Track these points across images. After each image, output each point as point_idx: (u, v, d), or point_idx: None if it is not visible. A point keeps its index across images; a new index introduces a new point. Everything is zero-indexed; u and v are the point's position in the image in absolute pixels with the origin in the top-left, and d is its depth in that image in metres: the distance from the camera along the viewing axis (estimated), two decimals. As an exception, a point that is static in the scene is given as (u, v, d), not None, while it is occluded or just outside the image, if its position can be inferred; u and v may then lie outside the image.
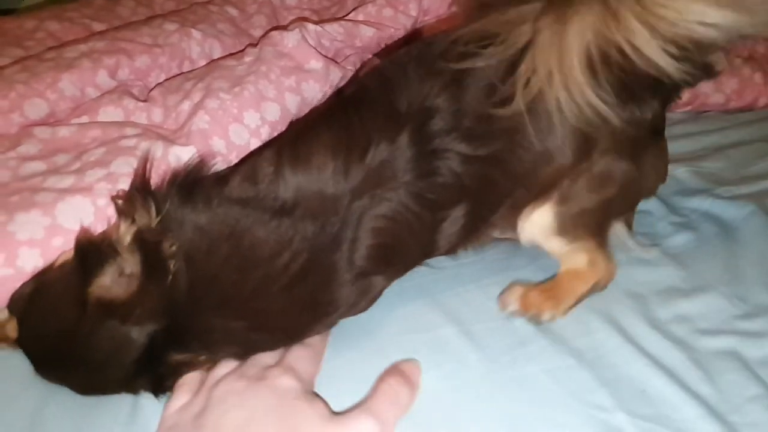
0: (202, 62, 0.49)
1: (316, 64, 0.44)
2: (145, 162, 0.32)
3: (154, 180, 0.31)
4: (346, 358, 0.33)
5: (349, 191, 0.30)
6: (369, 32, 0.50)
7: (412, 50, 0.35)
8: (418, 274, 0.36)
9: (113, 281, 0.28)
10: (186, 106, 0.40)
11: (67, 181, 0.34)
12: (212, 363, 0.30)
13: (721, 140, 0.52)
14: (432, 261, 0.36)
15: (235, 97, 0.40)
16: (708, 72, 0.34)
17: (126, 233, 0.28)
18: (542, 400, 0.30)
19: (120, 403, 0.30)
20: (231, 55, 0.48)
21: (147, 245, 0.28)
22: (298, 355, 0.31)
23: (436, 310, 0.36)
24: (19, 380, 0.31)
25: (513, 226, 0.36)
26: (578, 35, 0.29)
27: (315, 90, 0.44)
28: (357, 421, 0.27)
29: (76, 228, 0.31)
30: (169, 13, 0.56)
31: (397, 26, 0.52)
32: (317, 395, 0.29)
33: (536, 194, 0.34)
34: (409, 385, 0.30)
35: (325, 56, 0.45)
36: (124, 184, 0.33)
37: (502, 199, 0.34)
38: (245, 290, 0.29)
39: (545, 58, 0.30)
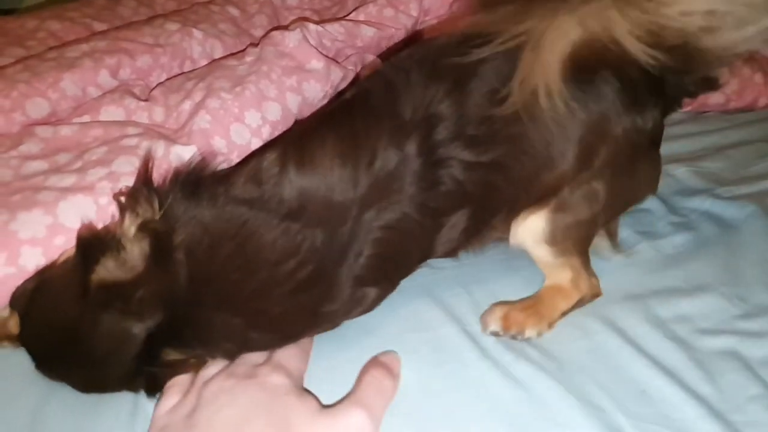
0: (204, 62, 0.49)
1: (317, 63, 0.44)
2: (147, 160, 0.32)
3: (157, 178, 0.32)
4: (346, 356, 0.33)
5: (358, 201, 0.30)
6: (370, 32, 0.50)
7: (415, 53, 0.35)
8: (419, 274, 0.36)
9: (115, 268, 0.28)
10: (187, 105, 0.41)
11: (69, 180, 0.34)
12: (203, 364, 0.30)
13: (721, 140, 0.52)
14: (433, 262, 0.36)
15: (236, 96, 0.40)
16: (711, 85, 0.35)
17: (130, 225, 0.28)
18: (542, 401, 0.30)
19: (121, 401, 0.30)
20: (232, 54, 0.48)
21: (152, 233, 0.28)
22: (287, 352, 0.31)
23: (436, 309, 0.36)
24: (21, 378, 0.31)
25: (510, 229, 0.36)
26: (562, 33, 0.29)
27: (316, 90, 0.44)
28: (347, 412, 0.27)
29: (78, 227, 0.31)
30: (171, 13, 0.57)
31: (398, 26, 0.52)
32: (307, 391, 0.29)
33: (535, 199, 0.34)
34: (391, 375, 0.30)
35: (326, 56, 0.45)
36: (126, 183, 0.33)
37: (503, 203, 0.34)
38: (246, 290, 0.29)
39: (530, 58, 0.30)
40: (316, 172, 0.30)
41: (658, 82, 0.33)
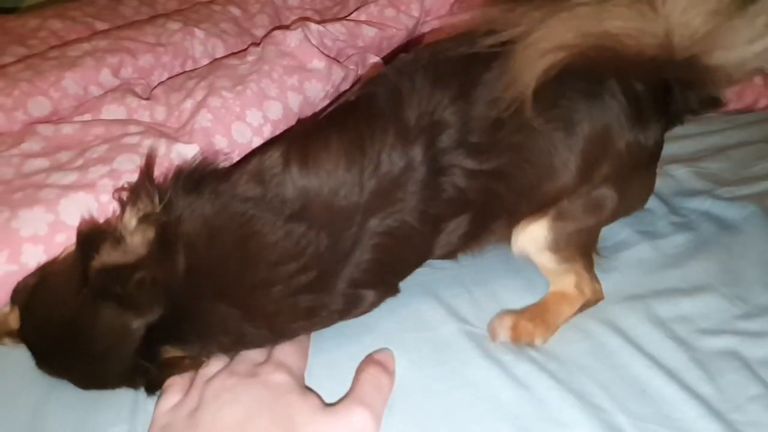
0: (205, 61, 0.50)
1: (318, 63, 0.44)
2: (149, 158, 0.32)
3: (158, 176, 0.32)
4: (347, 353, 0.33)
5: (363, 206, 0.30)
6: (371, 32, 0.50)
7: (420, 57, 0.34)
8: (419, 274, 0.36)
9: (115, 253, 0.28)
10: (189, 104, 0.41)
11: (70, 178, 0.34)
12: (201, 363, 0.30)
13: (721, 141, 0.52)
14: (432, 262, 0.36)
15: (237, 95, 0.40)
16: (715, 105, 0.34)
17: (131, 218, 0.29)
18: (543, 400, 0.30)
19: (121, 399, 0.30)
20: (234, 54, 0.48)
21: (153, 223, 0.28)
22: (286, 350, 0.31)
23: (437, 309, 0.36)
24: (21, 376, 0.31)
25: (510, 236, 0.36)
26: (549, 35, 0.29)
27: (317, 89, 0.44)
28: (349, 410, 0.28)
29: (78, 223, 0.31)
30: (173, 12, 0.57)
31: (399, 26, 0.53)
32: (310, 389, 0.30)
33: (536, 208, 0.34)
34: (387, 372, 0.30)
35: (328, 56, 0.46)
36: (127, 181, 0.33)
37: (503, 210, 0.34)
38: (244, 284, 0.29)
39: (514, 62, 0.29)
40: (319, 172, 0.30)
41: (664, 98, 0.33)
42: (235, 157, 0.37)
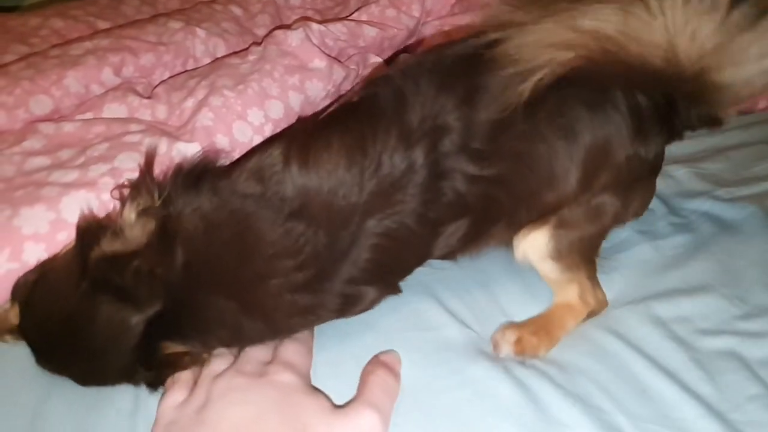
0: (206, 60, 0.50)
1: (319, 63, 0.44)
2: (149, 154, 0.33)
3: (158, 173, 0.32)
4: (350, 352, 0.33)
5: (361, 206, 0.30)
6: (372, 32, 0.51)
7: (426, 61, 0.34)
8: (420, 273, 0.36)
9: (115, 242, 0.28)
10: (190, 103, 0.41)
11: (72, 176, 0.34)
12: (202, 360, 0.30)
13: (721, 142, 0.52)
14: (433, 262, 0.36)
15: (239, 94, 0.40)
16: (715, 124, 0.34)
17: (131, 212, 0.29)
18: (544, 401, 0.30)
19: (122, 397, 0.30)
20: (235, 53, 0.48)
21: (153, 215, 0.29)
22: (292, 350, 0.31)
23: (437, 309, 0.36)
24: (21, 374, 0.31)
25: (509, 240, 0.36)
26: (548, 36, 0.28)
27: (318, 89, 0.44)
28: (358, 412, 0.28)
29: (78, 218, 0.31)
30: (174, 11, 0.57)
31: (400, 27, 0.53)
32: (318, 389, 0.30)
33: (536, 216, 0.34)
34: (394, 374, 0.31)
35: (329, 55, 0.46)
36: (128, 179, 0.33)
37: (502, 215, 0.34)
38: (241, 279, 0.29)
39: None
40: (319, 172, 0.30)
41: (667, 112, 0.33)
42: (237, 156, 0.37)
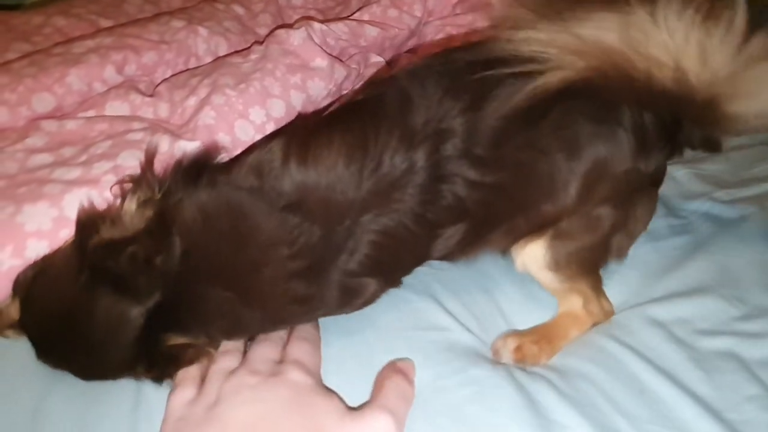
0: (208, 59, 0.50)
1: (321, 62, 0.44)
2: (150, 151, 0.33)
3: (159, 169, 0.32)
4: (351, 350, 0.33)
5: (358, 202, 0.30)
6: (373, 32, 0.51)
7: (434, 64, 0.34)
8: (421, 273, 0.36)
9: (113, 229, 0.28)
10: (192, 101, 0.41)
11: (74, 173, 0.34)
12: (207, 353, 0.30)
13: (721, 143, 0.53)
14: (433, 262, 0.36)
15: (240, 93, 0.40)
16: (713, 148, 0.35)
17: (131, 204, 0.29)
18: (543, 402, 0.30)
19: (123, 392, 0.30)
20: (237, 52, 0.48)
21: (152, 205, 0.29)
22: (302, 349, 0.31)
23: (441, 311, 0.36)
24: (22, 370, 0.31)
25: (506, 247, 0.36)
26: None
27: (320, 88, 0.44)
28: (373, 416, 0.27)
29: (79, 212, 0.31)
30: (176, 10, 0.57)
31: (402, 26, 0.53)
32: (331, 389, 0.29)
33: (534, 227, 0.34)
34: (409, 381, 0.30)
35: (331, 55, 0.46)
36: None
37: (501, 223, 0.34)
38: (237, 267, 0.29)
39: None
40: (318, 168, 0.30)
41: (671, 129, 0.33)
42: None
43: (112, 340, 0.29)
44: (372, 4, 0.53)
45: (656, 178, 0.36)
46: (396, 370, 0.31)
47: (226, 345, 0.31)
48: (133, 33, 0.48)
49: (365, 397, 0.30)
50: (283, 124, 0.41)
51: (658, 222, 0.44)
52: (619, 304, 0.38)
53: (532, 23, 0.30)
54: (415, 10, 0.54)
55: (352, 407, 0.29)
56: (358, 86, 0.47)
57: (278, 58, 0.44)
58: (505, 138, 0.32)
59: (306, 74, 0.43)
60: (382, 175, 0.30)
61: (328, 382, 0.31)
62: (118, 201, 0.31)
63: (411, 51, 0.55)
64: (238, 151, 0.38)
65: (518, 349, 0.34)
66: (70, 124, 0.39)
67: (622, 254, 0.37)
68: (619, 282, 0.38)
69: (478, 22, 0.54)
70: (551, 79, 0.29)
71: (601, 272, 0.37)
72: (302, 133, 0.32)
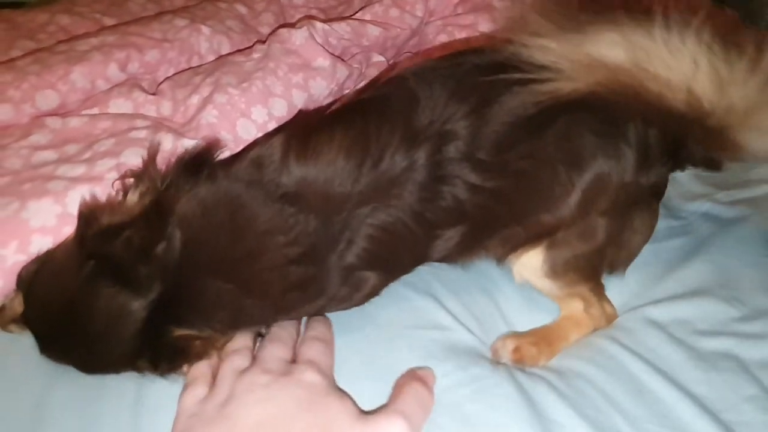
0: (211, 58, 0.50)
1: (323, 61, 0.45)
2: (152, 147, 0.33)
3: (161, 165, 0.32)
4: (354, 348, 0.33)
5: (356, 195, 0.30)
6: (376, 31, 0.51)
7: (441, 66, 0.34)
8: (422, 272, 0.36)
9: (113, 215, 0.29)
10: (195, 100, 0.41)
11: (78, 170, 0.34)
12: (217, 345, 0.31)
13: (722, 145, 0.53)
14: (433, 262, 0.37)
15: (243, 92, 0.41)
16: (714, 167, 0.35)
17: (133, 197, 0.29)
18: (542, 402, 0.30)
19: (125, 386, 0.31)
20: (239, 51, 0.48)
21: (152, 193, 0.29)
22: (316, 349, 0.30)
23: (442, 310, 0.36)
24: (26, 364, 0.31)
25: (503, 255, 0.36)
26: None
27: (322, 87, 0.44)
28: (388, 421, 0.27)
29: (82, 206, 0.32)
30: (179, 9, 0.57)
31: (404, 26, 0.53)
32: (344, 391, 0.29)
33: (532, 236, 0.34)
34: (429, 389, 0.30)
35: (333, 54, 0.46)
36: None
37: (499, 229, 0.35)
38: (235, 255, 0.30)
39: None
40: (318, 163, 0.31)
41: (676, 146, 0.33)
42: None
43: (114, 332, 0.29)
44: (374, 4, 0.53)
45: (657, 191, 0.36)
46: (416, 377, 0.30)
47: (237, 344, 0.31)
48: (137, 31, 0.48)
49: (366, 395, 0.30)
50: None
51: (658, 223, 0.44)
52: (619, 306, 0.38)
53: (548, 33, 0.30)
54: (416, 9, 0.54)
55: (366, 411, 0.28)
56: (360, 86, 0.48)
57: (280, 57, 0.44)
58: (508, 144, 0.32)
59: (308, 73, 0.43)
60: (382, 171, 0.31)
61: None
62: (121, 195, 0.31)
63: (416, 54, 0.55)
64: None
65: (517, 349, 0.34)
66: (74, 122, 0.39)
67: (619, 266, 0.37)
68: (619, 283, 0.38)
69: (481, 22, 0.54)
70: (562, 87, 0.29)
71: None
72: (303, 129, 0.33)
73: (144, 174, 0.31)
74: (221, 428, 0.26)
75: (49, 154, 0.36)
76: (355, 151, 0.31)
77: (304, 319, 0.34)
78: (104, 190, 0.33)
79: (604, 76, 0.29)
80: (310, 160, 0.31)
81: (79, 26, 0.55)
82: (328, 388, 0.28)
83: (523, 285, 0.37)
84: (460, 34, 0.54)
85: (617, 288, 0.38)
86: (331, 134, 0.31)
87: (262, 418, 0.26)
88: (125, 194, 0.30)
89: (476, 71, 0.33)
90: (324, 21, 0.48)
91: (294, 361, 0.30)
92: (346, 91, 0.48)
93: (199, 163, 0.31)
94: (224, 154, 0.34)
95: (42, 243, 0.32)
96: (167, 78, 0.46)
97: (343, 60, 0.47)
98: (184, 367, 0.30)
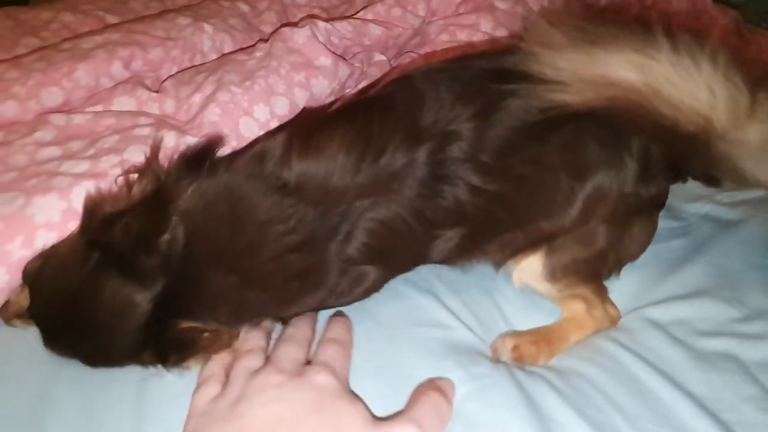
0: (213, 56, 0.50)
1: (325, 60, 0.45)
2: (155, 144, 0.34)
3: (164, 162, 0.33)
4: (355, 345, 0.33)
5: (355, 188, 0.31)
6: (377, 31, 0.51)
7: (449, 69, 0.35)
8: (423, 271, 0.37)
9: (116, 203, 0.29)
10: (197, 98, 0.41)
11: (82, 167, 0.35)
12: (224, 334, 0.31)
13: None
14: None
15: (245, 90, 0.41)
16: (714, 183, 0.35)
17: (137, 190, 0.30)
18: (541, 402, 0.31)
19: (127, 380, 0.31)
20: (242, 49, 0.49)
21: (155, 183, 0.30)
22: (332, 351, 0.30)
23: (443, 309, 0.36)
24: (30, 357, 0.31)
25: (502, 261, 0.36)
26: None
27: (324, 86, 0.44)
28: (401, 428, 0.26)
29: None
30: (182, 7, 0.57)
31: (406, 26, 0.53)
32: (357, 395, 0.29)
33: (530, 243, 0.34)
34: (448, 400, 0.29)
35: (335, 53, 0.46)
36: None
37: (498, 234, 0.35)
38: (236, 246, 0.30)
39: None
40: (320, 158, 0.31)
41: (678, 161, 0.34)
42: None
43: (119, 324, 0.29)
44: (376, 4, 0.54)
45: (658, 202, 0.37)
46: (435, 387, 0.29)
47: (251, 344, 0.31)
48: (140, 29, 0.48)
49: (366, 392, 0.30)
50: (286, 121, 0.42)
51: (659, 224, 0.44)
52: (620, 306, 0.38)
53: (561, 47, 0.29)
54: (419, 9, 0.54)
55: (379, 417, 0.28)
56: (362, 86, 0.48)
57: (283, 56, 0.44)
58: (512, 149, 0.32)
59: (310, 72, 0.44)
60: (382, 166, 0.31)
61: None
62: (125, 191, 0.31)
63: (423, 56, 0.55)
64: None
65: (516, 348, 0.34)
66: (78, 119, 0.39)
67: (615, 271, 0.37)
68: (619, 284, 0.38)
69: (482, 22, 0.54)
70: (568, 100, 0.29)
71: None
72: (306, 127, 0.33)
73: (147, 169, 0.31)
74: (231, 427, 0.26)
75: (53, 151, 0.37)
76: (356, 147, 0.31)
77: (323, 320, 0.33)
78: (108, 186, 0.34)
79: (614, 96, 0.29)
80: (312, 156, 0.31)
81: (82, 24, 0.55)
82: (340, 391, 0.27)
83: (524, 290, 0.37)
84: (462, 34, 0.54)
85: (618, 289, 0.38)
86: (333, 131, 0.32)
87: (271, 418, 0.26)
88: (129, 189, 0.31)
89: (484, 75, 0.33)
90: (326, 20, 0.49)
91: (309, 362, 0.29)
92: (348, 90, 0.48)
93: (201, 158, 0.32)
94: (226, 151, 0.34)
95: (47, 238, 0.32)
96: (170, 76, 0.46)
97: (344, 59, 0.47)
98: (190, 360, 0.30)
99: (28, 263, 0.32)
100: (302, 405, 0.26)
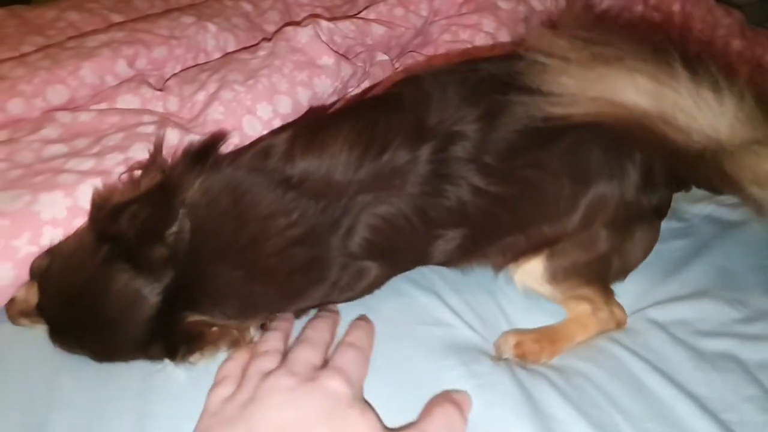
0: (217, 55, 0.51)
1: (328, 59, 0.45)
2: (158, 141, 0.34)
3: (168, 158, 0.33)
4: None
5: (357, 182, 0.31)
6: (380, 30, 0.51)
7: (457, 71, 0.35)
8: (424, 269, 0.37)
9: (124, 195, 0.29)
10: (201, 96, 0.42)
11: (88, 164, 0.35)
12: (232, 328, 0.31)
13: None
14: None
15: (249, 89, 0.41)
16: (716, 192, 0.35)
17: (145, 184, 0.30)
18: (541, 401, 0.31)
19: (131, 374, 0.31)
20: (245, 48, 0.49)
21: (161, 175, 0.30)
22: (348, 356, 0.30)
23: (445, 308, 0.36)
24: (37, 349, 0.32)
25: (503, 265, 0.36)
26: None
27: (326, 85, 0.45)
28: None
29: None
30: (186, 6, 0.58)
31: (408, 25, 0.53)
32: (369, 405, 0.28)
33: (531, 247, 0.34)
34: (463, 414, 0.28)
35: (337, 53, 0.46)
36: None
37: (500, 236, 0.35)
38: (240, 240, 0.30)
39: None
40: (323, 155, 0.31)
41: (681, 173, 0.34)
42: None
43: (128, 317, 0.29)
44: (379, 3, 0.54)
45: (660, 211, 0.37)
46: (450, 399, 0.29)
47: (267, 345, 0.30)
48: (144, 28, 0.49)
49: (367, 390, 0.30)
50: (289, 120, 0.42)
51: (661, 224, 0.44)
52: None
53: (568, 61, 0.29)
54: (421, 9, 0.55)
55: (390, 428, 0.27)
56: (365, 86, 0.48)
57: (286, 55, 0.44)
58: (516, 152, 0.32)
59: (313, 71, 0.44)
60: (384, 162, 0.31)
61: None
62: (130, 186, 0.32)
63: (428, 58, 0.55)
64: (246, 146, 0.39)
65: (519, 345, 0.34)
66: (83, 116, 0.40)
67: (620, 276, 0.37)
68: (622, 286, 0.38)
69: (485, 22, 0.54)
70: (574, 113, 0.29)
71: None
72: (311, 124, 0.33)
73: (151, 165, 0.32)
74: (239, 429, 0.26)
75: (59, 148, 0.37)
76: (359, 143, 0.31)
77: (344, 324, 0.33)
78: (113, 183, 0.34)
79: (620, 115, 0.29)
80: (315, 152, 0.31)
81: (87, 22, 0.56)
82: (352, 400, 0.27)
83: (526, 292, 0.37)
84: (464, 34, 0.54)
85: (619, 289, 0.38)
86: (338, 129, 0.32)
87: (279, 422, 0.25)
88: (135, 185, 0.31)
89: (491, 79, 0.33)
90: (329, 19, 0.49)
91: (324, 366, 0.29)
92: (350, 90, 0.48)
93: (206, 153, 0.32)
94: (229, 148, 0.35)
95: (53, 235, 0.32)
96: (174, 74, 0.46)
97: (347, 58, 0.47)
98: (197, 354, 0.30)
99: (35, 260, 0.32)
100: (311, 411, 0.26)
